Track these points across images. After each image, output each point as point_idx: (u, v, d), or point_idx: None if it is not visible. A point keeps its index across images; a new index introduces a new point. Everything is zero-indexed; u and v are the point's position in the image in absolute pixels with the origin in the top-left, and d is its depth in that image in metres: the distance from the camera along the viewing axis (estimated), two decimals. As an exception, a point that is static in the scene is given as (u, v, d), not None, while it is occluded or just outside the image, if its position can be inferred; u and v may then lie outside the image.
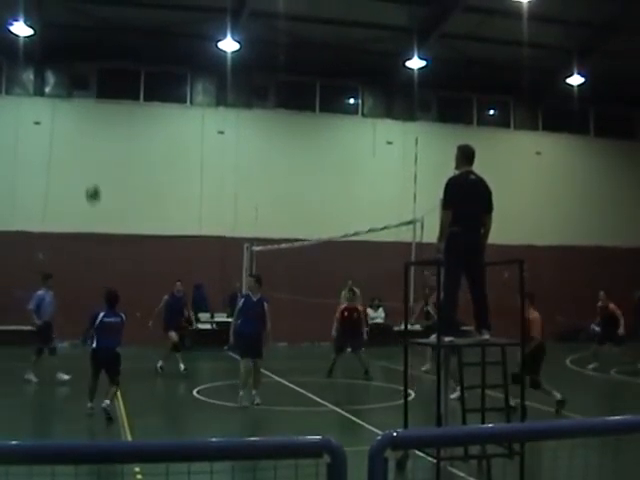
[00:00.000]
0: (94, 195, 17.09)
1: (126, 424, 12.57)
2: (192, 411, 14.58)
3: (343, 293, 25.93)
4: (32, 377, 17.40)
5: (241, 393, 14.67)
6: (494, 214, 9.25)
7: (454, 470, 8.87)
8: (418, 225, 11.92)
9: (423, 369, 17.66)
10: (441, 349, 8.80)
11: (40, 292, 17.79)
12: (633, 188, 33.47)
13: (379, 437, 3.06)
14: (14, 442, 2.96)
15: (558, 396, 13.79)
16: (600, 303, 21.12)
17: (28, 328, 20.68)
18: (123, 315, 13.98)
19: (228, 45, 26.11)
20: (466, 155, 9.34)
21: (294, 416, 14.64)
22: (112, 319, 13.68)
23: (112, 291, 14.03)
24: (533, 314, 13.81)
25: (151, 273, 26.60)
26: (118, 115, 28.73)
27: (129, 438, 11.41)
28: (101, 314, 13.70)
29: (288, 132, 30.28)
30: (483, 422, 8.75)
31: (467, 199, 8.99)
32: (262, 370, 15.71)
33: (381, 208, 26.40)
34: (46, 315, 17.75)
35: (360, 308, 20.48)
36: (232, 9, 24.73)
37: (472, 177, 9.21)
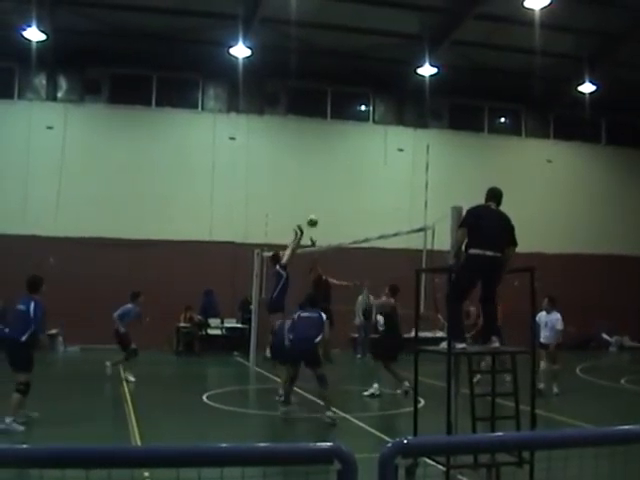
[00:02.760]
0: (313, 223, 18.86)
1: (136, 429, 12.57)
2: (202, 417, 14.56)
3: (360, 298, 25.87)
4: (131, 377, 18.78)
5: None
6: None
7: (463, 478, 8.84)
8: (429, 232, 11.89)
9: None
10: (451, 356, 8.79)
11: (129, 306, 19.37)
12: (644, 196, 33.38)
13: (390, 444, 3.06)
14: (24, 446, 2.97)
15: None
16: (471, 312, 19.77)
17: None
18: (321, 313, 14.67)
19: (240, 51, 26.17)
20: (491, 194, 9.74)
21: (304, 423, 14.63)
22: (307, 314, 14.47)
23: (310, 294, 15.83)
24: None
25: (161, 278, 26.66)
26: (130, 120, 28.82)
27: (139, 443, 11.41)
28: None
29: (299, 139, 30.30)
30: (493, 430, 8.74)
31: (484, 222, 9.26)
32: (272, 377, 15.86)
33: (392, 215, 26.36)
34: (127, 325, 19.44)
35: None
36: (244, 16, 24.78)
37: (492, 207, 9.48)
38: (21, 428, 12.14)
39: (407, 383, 16.34)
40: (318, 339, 14.04)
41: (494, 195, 9.69)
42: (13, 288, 25.34)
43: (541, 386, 16.25)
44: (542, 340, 17.00)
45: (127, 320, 19.24)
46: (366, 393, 17.06)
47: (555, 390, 17.32)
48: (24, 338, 12.37)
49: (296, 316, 14.48)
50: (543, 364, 16.96)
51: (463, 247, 9.19)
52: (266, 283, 22.64)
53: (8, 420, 12.07)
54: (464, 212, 9.45)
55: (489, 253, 9.08)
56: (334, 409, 13.61)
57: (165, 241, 27.59)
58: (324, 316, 14.46)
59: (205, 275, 26.85)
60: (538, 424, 8.87)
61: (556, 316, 17.38)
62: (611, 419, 13.68)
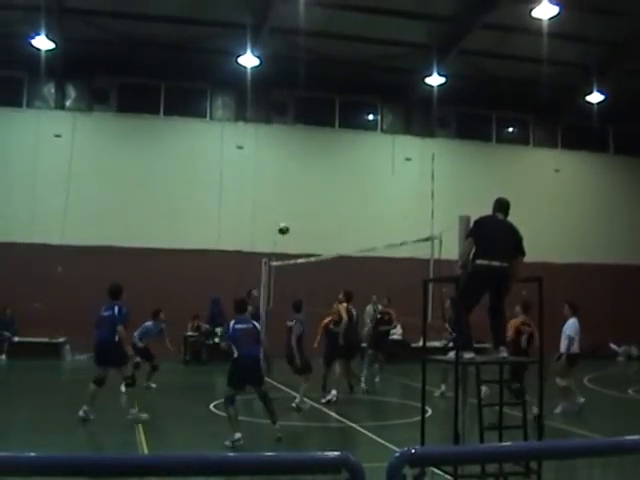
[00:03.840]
0: (284, 231, 20.10)
1: (143, 437, 12.57)
2: (209, 425, 14.54)
3: (368, 308, 25.77)
4: (152, 384, 19.12)
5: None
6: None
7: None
8: (436, 242, 11.85)
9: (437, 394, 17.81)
10: (459, 366, 8.78)
11: (148, 324, 19.38)
12: (652, 206, 33.31)
13: (397, 454, 3.05)
14: (31, 454, 2.96)
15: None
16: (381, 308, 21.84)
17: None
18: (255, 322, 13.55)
19: (248, 60, 26.22)
20: (498, 204, 9.73)
21: (312, 432, 14.60)
22: (244, 325, 12.92)
23: (239, 299, 13.73)
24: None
25: (169, 287, 26.64)
26: (138, 129, 28.91)
27: (145, 451, 11.40)
28: (232, 322, 13.05)
29: (307, 148, 30.34)
30: (500, 440, 8.72)
31: (491, 232, 9.31)
32: (279, 385, 15.75)
33: (399, 224, 26.33)
34: (146, 340, 19.24)
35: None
36: (252, 25, 24.83)
37: (499, 217, 9.48)
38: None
39: (334, 392, 17.27)
40: (261, 355, 13.62)
41: (501, 205, 9.70)
42: (20, 295, 25.59)
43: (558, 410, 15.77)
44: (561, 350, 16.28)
45: (146, 339, 19.10)
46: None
47: (557, 410, 16.40)
48: (117, 339, 14.05)
49: (231, 327, 12.94)
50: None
51: (470, 257, 9.20)
52: (274, 293, 22.62)
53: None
54: (471, 221, 9.46)
55: (495, 263, 9.08)
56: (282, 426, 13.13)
57: (173, 249, 27.63)
58: (258, 325, 13.49)
59: (212, 284, 26.82)
60: (545, 434, 8.85)
61: (571, 321, 16.64)
62: (619, 429, 13.64)
